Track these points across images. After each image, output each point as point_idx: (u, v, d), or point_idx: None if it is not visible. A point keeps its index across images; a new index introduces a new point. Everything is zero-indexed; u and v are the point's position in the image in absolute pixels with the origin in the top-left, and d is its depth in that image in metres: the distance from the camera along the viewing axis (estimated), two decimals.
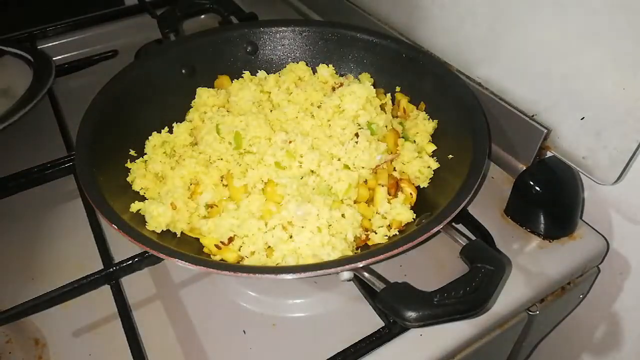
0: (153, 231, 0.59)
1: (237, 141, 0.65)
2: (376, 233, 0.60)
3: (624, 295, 0.72)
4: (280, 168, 0.62)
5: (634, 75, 0.54)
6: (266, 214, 0.60)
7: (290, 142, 0.64)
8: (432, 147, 0.69)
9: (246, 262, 0.58)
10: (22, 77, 0.85)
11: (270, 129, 0.66)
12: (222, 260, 0.58)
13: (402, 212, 0.61)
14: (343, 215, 0.59)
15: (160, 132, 0.70)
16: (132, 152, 0.67)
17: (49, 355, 0.55)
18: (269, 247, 0.58)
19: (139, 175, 0.65)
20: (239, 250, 0.58)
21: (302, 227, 0.57)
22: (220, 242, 0.59)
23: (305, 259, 0.56)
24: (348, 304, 0.60)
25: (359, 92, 0.68)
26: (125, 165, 0.66)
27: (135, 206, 0.60)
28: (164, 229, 0.60)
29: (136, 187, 0.64)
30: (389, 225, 0.61)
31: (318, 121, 0.68)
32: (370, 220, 0.62)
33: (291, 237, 0.57)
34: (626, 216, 0.66)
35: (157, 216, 0.59)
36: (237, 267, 0.52)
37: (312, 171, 0.63)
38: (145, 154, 0.68)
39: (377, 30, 0.82)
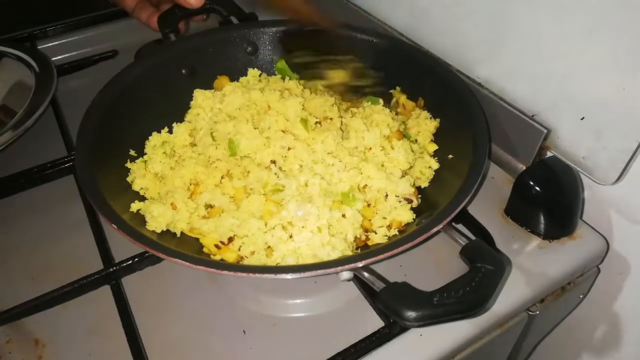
0: (153, 231, 0.59)
1: (231, 149, 0.64)
2: (376, 233, 0.60)
3: (624, 295, 0.72)
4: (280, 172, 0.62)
5: (634, 75, 0.54)
6: (266, 214, 0.60)
7: (285, 155, 0.64)
8: (433, 147, 0.69)
9: (246, 262, 0.58)
10: (24, 84, 0.85)
11: (263, 139, 0.65)
12: (222, 260, 0.58)
13: (402, 213, 0.61)
14: (344, 216, 0.59)
15: (160, 132, 0.70)
16: (132, 152, 0.67)
17: (49, 355, 0.55)
18: (269, 247, 0.58)
19: (139, 175, 0.64)
20: (239, 250, 0.58)
21: (302, 227, 0.57)
22: (220, 242, 0.59)
23: (305, 258, 0.56)
24: (348, 304, 0.60)
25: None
26: (126, 165, 0.66)
27: (135, 206, 0.60)
28: (164, 229, 0.60)
29: (136, 187, 0.64)
30: (389, 225, 0.61)
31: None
32: (370, 220, 0.62)
33: (291, 237, 0.57)
34: (626, 216, 0.66)
35: (158, 216, 0.59)
36: (237, 267, 0.52)
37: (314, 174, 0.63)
38: (145, 154, 0.68)
39: (377, 30, 0.82)
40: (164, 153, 0.67)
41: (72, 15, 1.02)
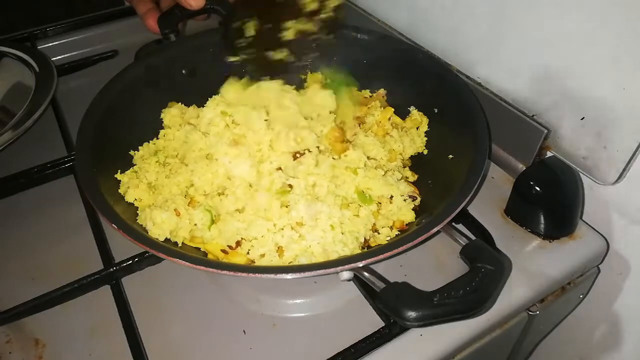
0: (156, 239, 0.58)
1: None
2: (379, 233, 0.60)
3: (624, 295, 0.72)
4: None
5: (633, 75, 0.54)
6: (272, 215, 0.59)
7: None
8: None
9: (257, 264, 0.57)
10: (24, 84, 0.85)
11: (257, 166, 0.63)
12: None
13: (405, 213, 0.61)
14: (357, 216, 0.59)
15: (158, 134, 0.70)
16: (132, 153, 0.67)
17: (49, 355, 0.55)
18: (279, 247, 0.57)
19: (132, 185, 0.62)
20: (248, 253, 0.57)
21: (313, 226, 0.57)
22: (228, 246, 0.58)
23: (318, 257, 0.56)
24: (348, 304, 0.60)
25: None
26: (115, 176, 0.64)
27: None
28: (167, 237, 0.59)
29: (129, 198, 0.62)
30: (391, 225, 0.61)
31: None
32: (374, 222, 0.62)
33: (300, 236, 0.57)
34: (626, 216, 0.66)
35: (161, 223, 0.58)
36: (237, 267, 0.52)
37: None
38: (134, 164, 0.67)
39: (377, 30, 0.82)
40: (157, 162, 0.66)
41: (72, 15, 1.02)
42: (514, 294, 0.59)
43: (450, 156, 0.66)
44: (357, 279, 0.58)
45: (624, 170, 0.59)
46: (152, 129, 0.70)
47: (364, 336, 0.55)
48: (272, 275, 0.49)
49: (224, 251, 0.58)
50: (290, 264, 0.56)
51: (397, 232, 0.61)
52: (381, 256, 0.49)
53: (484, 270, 0.49)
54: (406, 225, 0.62)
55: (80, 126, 0.63)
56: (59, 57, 0.98)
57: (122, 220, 0.54)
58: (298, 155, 0.63)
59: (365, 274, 0.50)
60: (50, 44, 0.99)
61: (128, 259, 0.61)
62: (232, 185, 0.61)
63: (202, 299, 0.60)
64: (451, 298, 0.47)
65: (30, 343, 0.56)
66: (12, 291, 0.60)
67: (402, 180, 0.64)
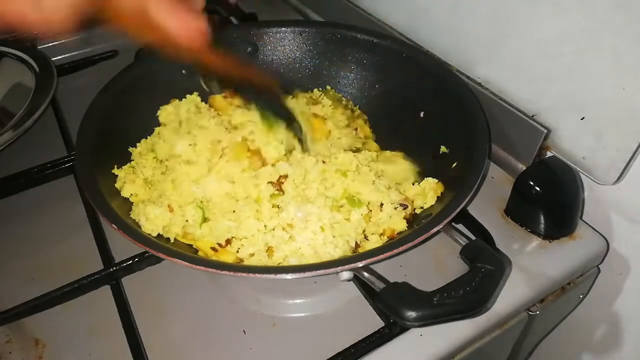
0: (148, 235, 0.58)
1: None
2: (368, 239, 0.60)
3: (624, 295, 0.72)
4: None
5: (634, 75, 0.54)
6: (263, 216, 0.59)
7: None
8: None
9: (246, 263, 0.57)
10: (24, 84, 0.85)
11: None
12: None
13: (396, 221, 0.60)
14: (348, 220, 0.59)
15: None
16: (131, 150, 0.67)
17: (49, 355, 0.55)
18: (269, 247, 0.57)
19: (129, 180, 0.63)
20: (237, 252, 0.58)
21: (304, 227, 0.57)
22: (217, 244, 0.58)
23: (307, 259, 0.56)
24: (348, 304, 0.60)
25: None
26: (112, 171, 0.64)
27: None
28: (160, 233, 0.59)
29: (125, 193, 0.62)
30: (382, 233, 0.60)
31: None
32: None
33: (291, 237, 0.57)
34: (626, 216, 0.66)
35: (154, 218, 0.58)
36: (237, 267, 0.52)
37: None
38: (132, 160, 0.67)
39: (377, 30, 0.82)
40: (154, 158, 0.66)
41: None
42: (514, 294, 0.59)
43: (450, 156, 0.66)
44: (357, 279, 0.58)
45: (624, 170, 0.59)
46: (152, 129, 0.70)
47: (364, 336, 0.55)
48: (272, 275, 0.49)
49: (213, 249, 0.58)
50: (289, 265, 0.56)
51: (386, 240, 0.60)
52: (381, 256, 0.49)
53: (484, 270, 0.49)
54: (397, 233, 0.60)
55: (80, 126, 0.63)
56: (59, 57, 0.98)
57: (122, 220, 0.54)
58: (278, 185, 0.62)
59: (365, 274, 0.50)
60: (50, 44, 0.99)
61: (128, 259, 0.61)
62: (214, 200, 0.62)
63: (202, 299, 0.60)
64: (451, 298, 0.47)
65: (30, 343, 0.56)
66: (12, 291, 0.60)
67: (393, 188, 0.63)
